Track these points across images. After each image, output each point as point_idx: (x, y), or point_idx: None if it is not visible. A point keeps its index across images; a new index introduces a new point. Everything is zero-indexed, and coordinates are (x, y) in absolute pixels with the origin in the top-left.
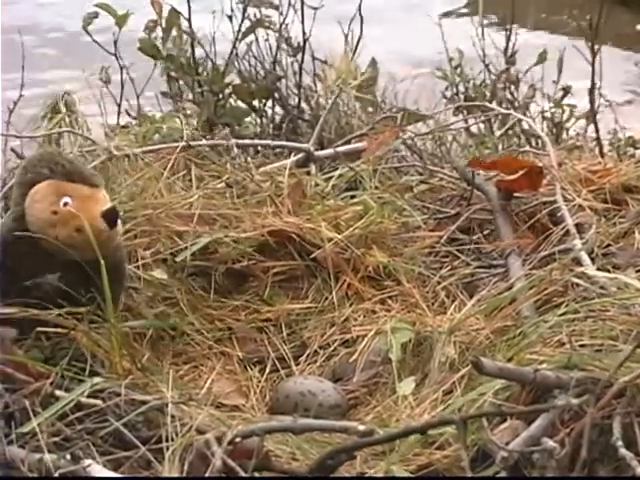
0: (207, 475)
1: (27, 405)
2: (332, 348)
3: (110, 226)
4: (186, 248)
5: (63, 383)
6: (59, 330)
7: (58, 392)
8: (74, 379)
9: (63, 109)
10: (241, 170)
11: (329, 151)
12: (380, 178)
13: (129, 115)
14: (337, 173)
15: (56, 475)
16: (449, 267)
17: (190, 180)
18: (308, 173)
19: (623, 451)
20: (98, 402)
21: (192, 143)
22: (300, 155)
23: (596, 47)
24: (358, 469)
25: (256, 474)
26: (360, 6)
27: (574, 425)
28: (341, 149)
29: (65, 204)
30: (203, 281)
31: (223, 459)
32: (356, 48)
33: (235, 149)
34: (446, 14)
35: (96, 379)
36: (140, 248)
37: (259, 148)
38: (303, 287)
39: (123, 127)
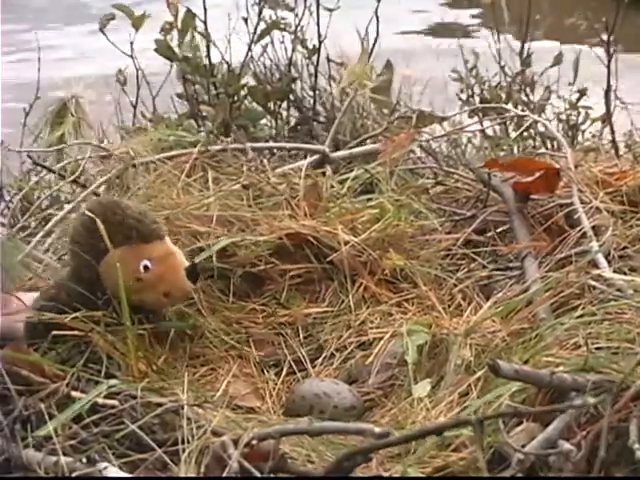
0: (223, 477)
1: (43, 408)
2: (348, 351)
3: (194, 283)
4: (203, 250)
5: (79, 385)
6: (75, 333)
7: (74, 393)
8: (90, 381)
9: (72, 113)
10: (257, 172)
11: (344, 152)
12: (396, 180)
13: (144, 117)
14: (352, 175)
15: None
16: (465, 269)
17: (206, 182)
18: (323, 174)
19: None
20: (114, 402)
21: (209, 148)
22: (315, 157)
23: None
24: (374, 471)
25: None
26: (377, 9)
27: (590, 428)
28: (357, 150)
29: (146, 267)
30: (221, 284)
31: (239, 461)
32: (372, 50)
33: (250, 152)
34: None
35: (112, 381)
36: None
37: (274, 150)
38: (320, 290)
39: (138, 129)
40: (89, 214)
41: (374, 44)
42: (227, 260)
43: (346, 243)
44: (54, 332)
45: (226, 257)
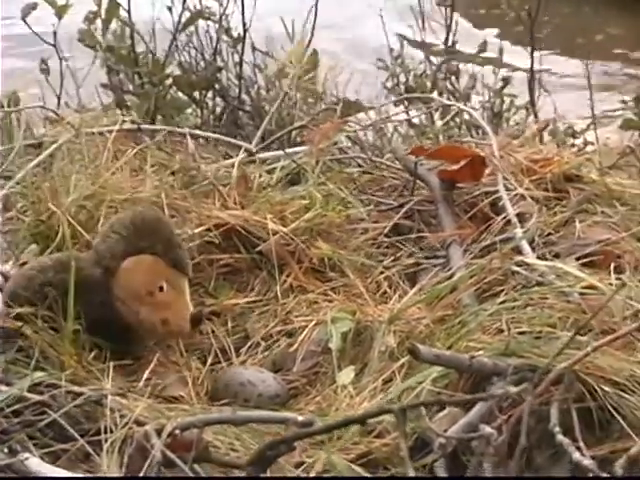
0: (146, 467)
1: None
2: (274, 339)
3: (193, 327)
4: None
5: (4, 378)
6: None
7: None
8: (18, 373)
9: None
10: (188, 160)
11: (272, 153)
12: (323, 170)
13: (68, 107)
14: (280, 165)
15: None
16: (392, 258)
17: (136, 171)
18: (252, 162)
19: (560, 437)
20: (36, 397)
21: (143, 127)
22: (242, 155)
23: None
24: (297, 458)
25: (196, 466)
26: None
27: (512, 412)
28: (288, 151)
29: (161, 288)
30: None
31: (162, 451)
32: (310, 40)
33: (189, 138)
34: None
35: (38, 373)
36: None
37: (200, 140)
38: (249, 280)
39: (62, 119)
40: (148, 212)
41: (312, 32)
42: None
43: (275, 233)
44: None
45: None
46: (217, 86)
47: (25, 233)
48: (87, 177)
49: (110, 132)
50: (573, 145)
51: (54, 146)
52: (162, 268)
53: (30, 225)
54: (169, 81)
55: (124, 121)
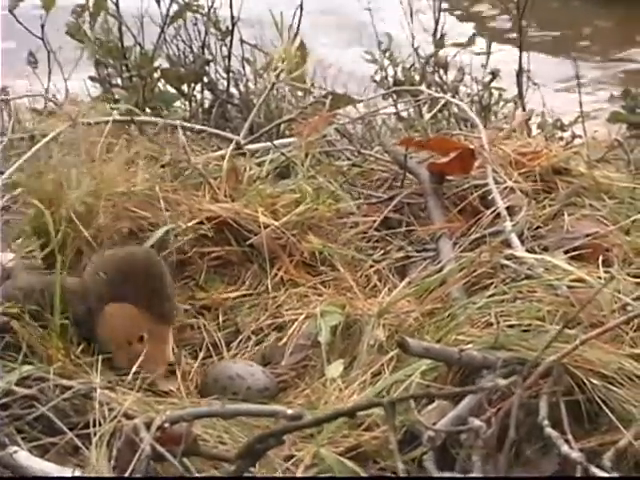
0: (135, 460)
1: None
2: (264, 333)
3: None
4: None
5: None
6: None
7: None
8: (6, 367)
9: None
10: (179, 152)
11: (259, 145)
12: (312, 163)
13: (57, 99)
14: (269, 158)
15: None
16: (382, 251)
17: (127, 163)
18: (242, 155)
19: (549, 430)
20: (25, 391)
21: (136, 118)
22: (230, 147)
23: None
24: (286, 452)
25: (185, 459)
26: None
27: (501, 405)
28: (276, 142)
29: (141, 339)
30: None
31: (152, 445)
32: (296, 34)
33: (180, 130)
34: None
35: (26, 367)
36: None
37: (187, 133)
38: (240, 273)
39: (50, 113)
40: (140, 255)
41: (298, 27)
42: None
43: (266, 226)
44: None
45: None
46: (205, 79)
47: (24, 226)
48: (84, 171)
49: (104, 123)
50: (561, 138)
51: (50, 135)
52: (144, 319)
53: (29, 218)
54: (157, 74)
55: (114, 113)
